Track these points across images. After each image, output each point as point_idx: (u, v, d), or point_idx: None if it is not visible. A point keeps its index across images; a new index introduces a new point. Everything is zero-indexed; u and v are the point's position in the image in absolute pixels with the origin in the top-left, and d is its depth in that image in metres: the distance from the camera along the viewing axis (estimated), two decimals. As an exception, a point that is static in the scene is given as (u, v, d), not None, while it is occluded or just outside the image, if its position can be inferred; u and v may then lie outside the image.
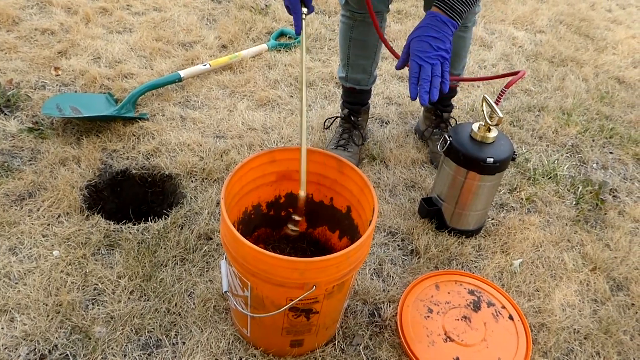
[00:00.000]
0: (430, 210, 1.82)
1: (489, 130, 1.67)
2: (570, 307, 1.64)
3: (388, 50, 1.63)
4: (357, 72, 1.99)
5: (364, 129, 2.14)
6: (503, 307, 1.57)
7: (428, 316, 1.52)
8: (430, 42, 1.32)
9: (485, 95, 1.65)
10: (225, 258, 1.32)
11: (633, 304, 1.67)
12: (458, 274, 1.66)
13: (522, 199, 2.00)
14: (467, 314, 1.54)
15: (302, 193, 1.35)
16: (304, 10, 1.37)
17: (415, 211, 1.89)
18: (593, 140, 2.36)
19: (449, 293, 1.59)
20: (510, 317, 1.54)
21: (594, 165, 2.24)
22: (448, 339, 1.46)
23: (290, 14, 1.38)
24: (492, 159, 1.63)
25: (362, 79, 2.01)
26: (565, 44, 3.09)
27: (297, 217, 1.41)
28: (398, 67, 1.42)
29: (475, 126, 1.70)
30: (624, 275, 1.76)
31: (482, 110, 1.65)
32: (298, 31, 1.36)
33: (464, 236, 1.82)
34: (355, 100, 2.08)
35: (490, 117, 1.65)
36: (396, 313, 1.52)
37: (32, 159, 1.91)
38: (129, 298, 1.51)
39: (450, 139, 1.71)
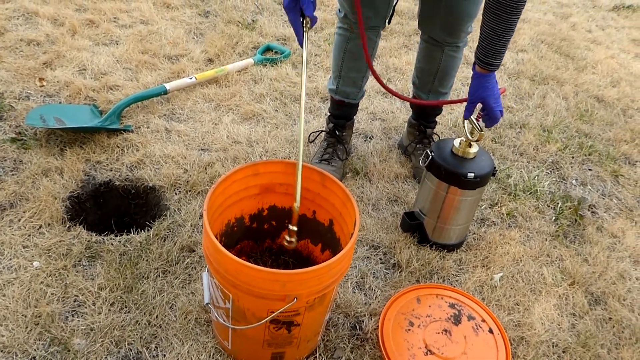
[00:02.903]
0: (413, 225, 1.84)
1: (470, 145, 1.70)
2: (549, 321, 1.66)
3: (372, 74, 1.72)
4: (347, 85, 2.02)
5: (348, 144, 2.16)
6: (483, 320, 1.59)
7: (409, 329, 1.53)
8: (497, 93, 1.61)
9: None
10: (207, 270, 1.32)
11: (610, 318, 1.70)
12: (439, 288, 1.67)
13: (502, 214, 2.03)
14: (447, 327, 1.55)
15: (296, 205, 1.33)
16: (307, 22, 1.42)
17: (398, 225, 1.91)
18: (572, 157, 2.41)
19: (430, 306, 1.60)
20: (490, 331, 1.56)
21: (574, 181, 2.28)
22: (429, 352, 1.47)
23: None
24: (472, 174, 1.66)
25: (352, 92, 2.04)
26: (546, 63, 3.15)
27: (293, 227, 1.36)
28: (467, 117, 1.68)
29: (456, 142, 1.73)
30: (602, 289, 1.78)
31: (464, 127, 1.68)
32: (300, 43, 1.42)
33: (445, 250, 1.84)
34: (342, 114, 2.10)
35: (472, 133, 1.68)
36: (377, 326, 1.53)
37: (14, 170, 1.90)
38: (109, 310, 1.50)
39: (432, 154, 1.73)
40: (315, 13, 3.44)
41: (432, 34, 1.94)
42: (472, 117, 1.67)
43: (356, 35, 1.89)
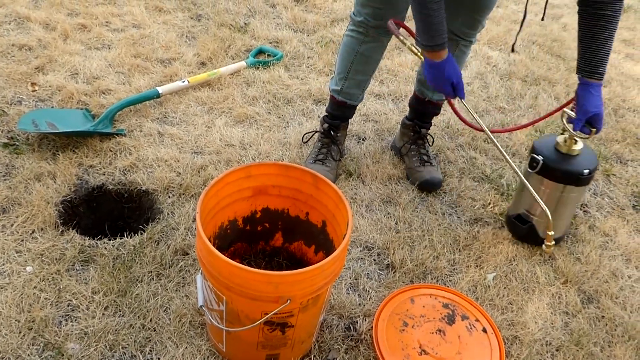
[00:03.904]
0: (526, 228, 1.86)
1: (575, 142, 1.73)
2: (542, 319, 1.67)
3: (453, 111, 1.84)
4: (352, 87, 2.02)
5: (342, 145, 2.17)
6: (477, 320, 1.59)
7: (403, 330, 1.53)
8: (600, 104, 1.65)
9: (566, 109, 1.70)
10: (201, 272, 1.32)
11: (603, 316, 1.71)
12: (433, 288, 1.68)
13: (495, 214, 2.04)
14: (441, 327, 1.56)
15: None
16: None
17: (392, 226, 1.91)
18: (564, 157, 2.42)
19: (423, 307, 1.61)
20: (484, 330, 1.56)
21: (566, 181, 2.29)
22: (423, 352, 1.48)
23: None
24: (587, 170, 1.71)
25: (355, 94, 2.05)
26: (537, 64, 3.17)
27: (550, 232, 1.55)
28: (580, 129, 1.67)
29: (560, 139, 1.76)
30: (595, 288, 1.79)
31: (564, 126, 1.72)
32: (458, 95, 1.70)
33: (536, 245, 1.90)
34: (341, 115, 2.11)
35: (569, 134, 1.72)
36: (372, 327, 1.53)
37: (6, 175, 1.89)
38: (103, 314, 1.50)
39: (542, 159, 1.74)
40: (309, 15, 3.45)
41: (452, 27, 1.90)
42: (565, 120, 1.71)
43: (371, 38, 1.89)
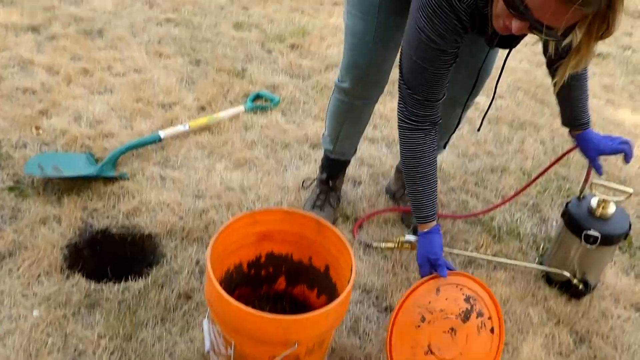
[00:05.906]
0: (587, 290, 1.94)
1: (608, 206, 1.84)
2: (536, 360, 1.72)
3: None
4: (344, 146, 2.09)
5: (339, 191, 2.23)
6: (489, 317, 1.54)
7: (419, 326, 1.52)
8: None
9: (595, 181, 1.86)
10: (208, 317, 1.36)
11: (595, 356, 1.76)
12: (461, 276, 1.62)
13: (488, 255, 2.10)
14: (455, 325, 1.52)
15: None
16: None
17: (389, 268, 1.97)
18: (552, 200, 2.51)
19: (446, 299, 1.56)
20: (492, 330, 1.53)
21: (554, 223, 2.37)
22: (429, 352, 1.48)
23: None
24: (624, 233, 1.85)
25: (348, 151, 2.13)
26: (523, 109, 3.30)
27: None
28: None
29: (594, 203, 1.86)
30: (586, 328, 1.85)
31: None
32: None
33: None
34: (337, 168, 2.18)
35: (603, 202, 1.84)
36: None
37: (12, 218, 1.93)
38: (109, 358, 1.52)
39: (599, 235, 1.80)
40: (303, 61, 3.51)
41: (453, 94, 1.78)
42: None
43: (358, 105, 1.91)
